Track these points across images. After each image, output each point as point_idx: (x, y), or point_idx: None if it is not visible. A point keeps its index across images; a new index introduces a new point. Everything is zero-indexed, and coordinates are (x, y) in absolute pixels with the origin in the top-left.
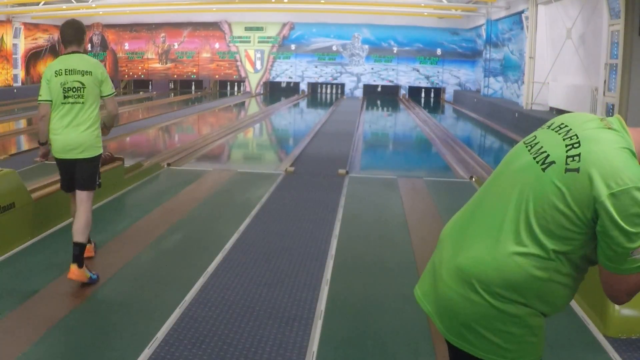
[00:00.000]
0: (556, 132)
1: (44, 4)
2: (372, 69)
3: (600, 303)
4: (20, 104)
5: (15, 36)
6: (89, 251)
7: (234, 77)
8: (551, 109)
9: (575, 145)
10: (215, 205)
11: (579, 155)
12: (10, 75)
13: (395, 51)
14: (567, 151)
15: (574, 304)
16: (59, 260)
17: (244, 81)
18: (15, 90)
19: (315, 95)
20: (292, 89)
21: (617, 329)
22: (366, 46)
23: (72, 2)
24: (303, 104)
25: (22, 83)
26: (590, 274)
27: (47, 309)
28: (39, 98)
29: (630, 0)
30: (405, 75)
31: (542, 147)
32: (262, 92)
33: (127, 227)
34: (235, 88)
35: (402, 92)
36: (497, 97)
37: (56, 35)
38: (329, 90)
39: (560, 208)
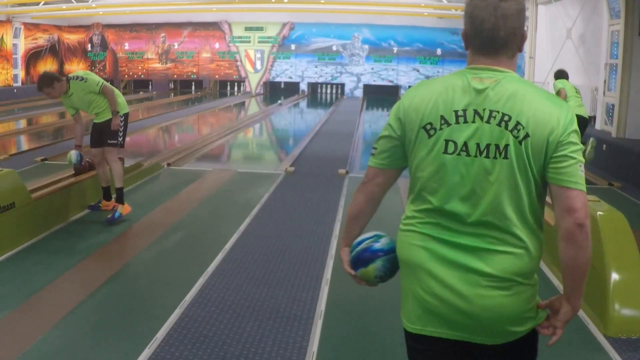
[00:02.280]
0: (469, 123)
1: (44, 4)
2: (372, 69)
3: (600, 303)
4: (20, 104)
5: (15, 36)
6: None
7: (234, 77)
8: None
9: (506, 119)
10: (215, 205)
11: (517, 123)
12: (10, 75)
13: (395, 51)
14: (505, 128)
15: None
16: (59, 260)
17: (244, 81)
18: (15, 90)
19: (315, 95)
20: (292, 90)
21: (617, 329)
22: (366, 46)
23: (72, 2)
24: (303, 104)
25: (22, 83)
26: (591, 275)
27: (47, 309)
28: (103, 82)
29: (630, 0)
30: (405, 75)
31: (479, 141)
32: (262, 92)
33: (127, 227)
34: (235, 88)
35: (402, 92)
36: None
37: (56, 35)
38: (329, 90)
39: (536, 178)
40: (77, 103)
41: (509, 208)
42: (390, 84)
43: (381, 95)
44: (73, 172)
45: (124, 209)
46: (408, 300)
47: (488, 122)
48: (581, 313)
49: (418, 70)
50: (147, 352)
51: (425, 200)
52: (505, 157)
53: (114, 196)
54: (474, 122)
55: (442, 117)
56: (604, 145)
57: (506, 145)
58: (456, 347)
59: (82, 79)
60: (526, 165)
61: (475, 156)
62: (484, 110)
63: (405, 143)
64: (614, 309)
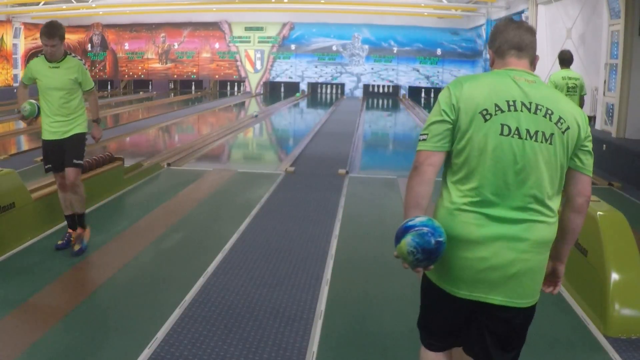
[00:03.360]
0: (519, 112)
1: (44, 4)
2: (372, 69)
3: (600, 303)
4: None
5: (15, 36)
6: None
7: (234, 77)
8: None
9: (549, 113)
10: (215, 205)
11: (560, 118)
12: (10, 75)
13: (395, 51)
14: (550, 120)
15: (574, 303)
16: (58, 260)
17: (244, 81)
18: (15, 90)
19: (315, 95)
20: (292, 90)
21: (617, 329)
22: (366, 46)
23: (72, 2)
24: (303, 104)
25: None
26: (591, 275)
27: (46, 309)
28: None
29: (630, 1)
30: (405, 75)
31: (528, 128)
32: (262, 92)
33: (127, 227)
34: (235, 88)
35: (402, 92)
36: None
37: None
38: (329, 90)
39: (567, 161)
40: (52, 79)
41: (548, 185)
42: (390, 83)
43: (381, 96)
44: None
45: (88, 234)
46: (456, 270)
47: (535, 113)
48: (581, 313)
49: (418, 70)
50: (147, 352)
51: (477, 177)
52: (550, 143)
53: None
54: (522, 111)
55: (496, 105)
56: (604, 145)
57: (551, 134)
58: (486, 307)
59: (85, 65)
60: (565, 151)
61: (526, 139)
62: (530, 103)
63: (457, 126)
64: (614, 309)
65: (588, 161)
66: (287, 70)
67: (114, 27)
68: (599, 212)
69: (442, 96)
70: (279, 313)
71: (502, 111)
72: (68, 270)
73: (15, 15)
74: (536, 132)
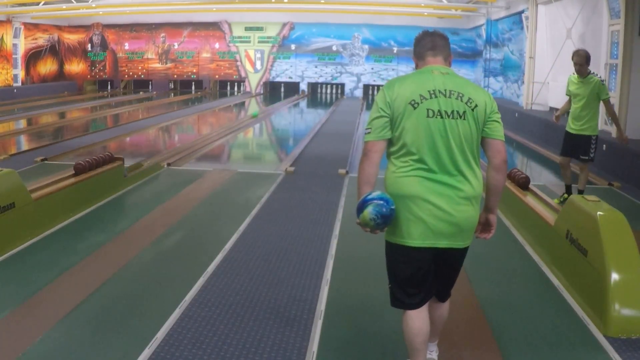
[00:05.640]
0: (438, 97)
1: (44, 4)
2: (372, 69)
3: (600, 303)
4: (20, 104)
5: (15, 36)
6: None
7: (234, 77)
8: (551, 109)
9: (461, 95)
10: (215, 205)
11: (469, 98)
12: (10, 75)
13: (395, 51)
14: (461, 101)
15: (574, 303)
16: (59, 260)
17: (244, 81)
18: (15, 90)
19: (315, 95)
20: (293, 90)
21: (617, 329)
22: (366, 46)
23: (72, 2)
24: (303, 104)
25: (22, 83)
26: (591, 275)
27: (47, 309)
28: None
29: (630, 1)
30: None
31: (446, 109)
32: (262, 92)
33: (127, 227)
34: (235, 88)
35: None
36: (497, 97)
37: (56, 35)
38: (329, 90)
39: (480, 132)
40: None
41: (468, 151)
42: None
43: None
44: (73, 172)
45: None
46: (410, 224)
47: (449, 97)
48: (581, 313)
49: None
50: (147, 352)
51: (414, 152)
52: (464, 119)
53: None
54: (439, 97)
55: (421, 95)
56: (604, 145)
57: (464, 112)
58: (437, 253)
59: None
60: (477, 124)
61: (445, 118)
62: (445, 90)
63: (393, 118)
64: (614, 309)
65: (497, 128)
66: (287, 70)
67: (114, 27)
68: (599, 212)
69: (378, 97)
70: (279, 313)
71: (426, 99)
72: (68, 270)
73: (15, 15)
74: (452, 112)
